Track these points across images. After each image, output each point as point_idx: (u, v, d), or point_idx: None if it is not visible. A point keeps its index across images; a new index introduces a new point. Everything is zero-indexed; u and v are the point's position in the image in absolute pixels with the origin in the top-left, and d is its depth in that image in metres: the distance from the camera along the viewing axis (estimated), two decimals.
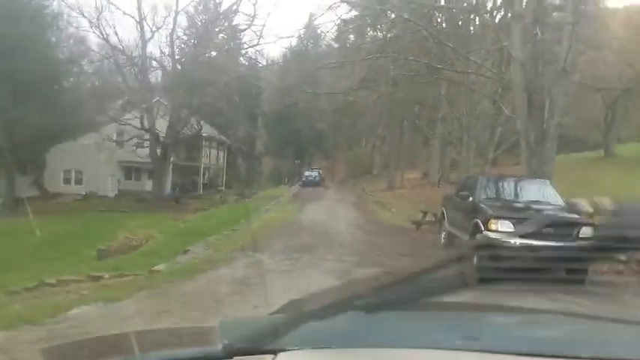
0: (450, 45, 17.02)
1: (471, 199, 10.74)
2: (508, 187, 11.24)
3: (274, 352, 1.05)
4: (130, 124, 31.09)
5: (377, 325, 1.13)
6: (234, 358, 1.02)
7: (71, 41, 31.72)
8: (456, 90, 22.21)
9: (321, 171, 44.99)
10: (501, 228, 9.41)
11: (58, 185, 39.22)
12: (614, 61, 26.05)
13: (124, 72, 31.17)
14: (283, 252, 11.38)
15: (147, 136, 31.90)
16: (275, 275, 8.73)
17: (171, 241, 14.68)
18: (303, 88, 35.12)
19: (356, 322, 1.09)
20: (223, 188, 45.57)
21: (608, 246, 1.06)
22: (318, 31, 47.67)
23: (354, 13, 31.33)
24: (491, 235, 9.46)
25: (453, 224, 11.94)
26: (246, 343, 1.05)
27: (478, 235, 9.79)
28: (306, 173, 43.22)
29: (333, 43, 41.02)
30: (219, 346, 1.03)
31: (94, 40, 31.73)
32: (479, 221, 9.87)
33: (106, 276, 10.23)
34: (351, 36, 34.76)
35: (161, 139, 31.35)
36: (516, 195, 10.94)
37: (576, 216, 9.67)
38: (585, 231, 9.28)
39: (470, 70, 16.87)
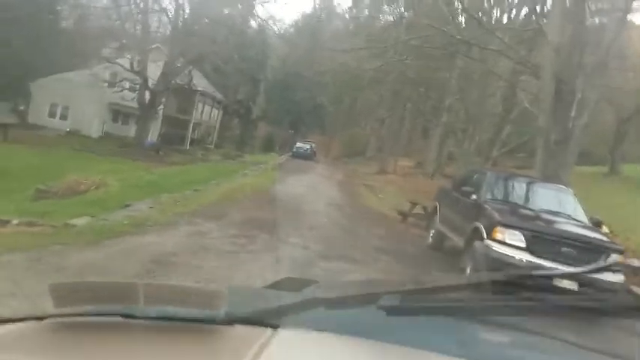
0: (477, 16, 14.55)
1: (474, 197, 8.50)
2: (521, 190, 8.99)
3: (275, 327, 1.06)
4: (121, 66, 28.38)
5: (395, 326, 1.10)
6: (235, 324, 1.03)
7: None
8: (467, 78, 19.88)
9: (314, 144, 42.40)
10: (509, 239, 7.24)
11: (42, 118, 36.63)
12: (633, 76, 23.71)
13: (123, 11, 28.29)
14: (239, 225, 9.17)
15: (139, 80, 29.21)
16: (211, 255, 6.53)
17: (122, 193, 12.42)
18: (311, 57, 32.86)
19: (373, 318, 1.06)
20: (212, 147, 43.17)
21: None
22: (334, 2, 45.10)
23: None
24: (495, 246, 7.30)
25: (446, 223, 9.73)
26: (248, 312, 1.06)
27: (477, 243, 7.62)
28: (298, 144, 40.61)
29: (346, 14, 38.48)
30: (222, 312, 1.01)
31: None
32: (480, 226, 7.67)
33: (15, 222, 8.09)
34: (366, 10, 32.22)
35: (152, 85, 28.69)
36: (529, 200, 8.70)
37: (604, 238, 7.50)
38: (613, 258, 7.15)
39: (492, 47, 14.43)
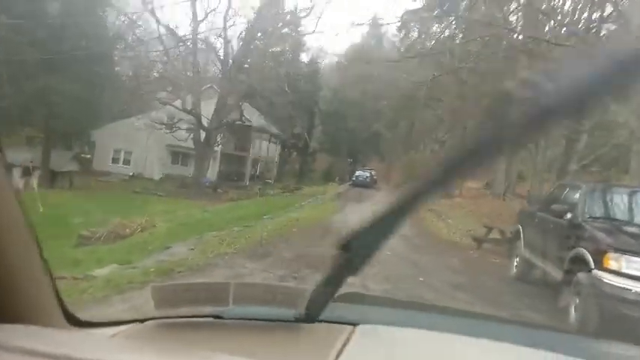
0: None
1: (568, 216, 6.83)
2: (625, 204, 7.19)
3: (355, 324, 1.12)
4: (176, 107, 28.55)
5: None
6: (316, 322, 1.07)
7: (124, 20, 29.39)
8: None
9: (373, 172, 40.85)
10: (627, 268, 5.53)
11: (106, 164, 37.67)
12: None
13: (174, 54, 28.61)
14: (288, 264, 7.93)
15: (194, 120, 29.27)
16: None
17: (168, 233, 11.60)
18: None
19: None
20: (271, 181, 42.74)
21: None
22: (382, 30, 44.25)
23: (418, 5, 27.58)
24: (607, 277, 5.61)
25: (533, 249, 8.03)
26: (329, 311, 1.08)
27: (581, 275, 5.95)
28: (357, 172, 39.20)
29: (395, 39, 37.34)
30: (304, 310, 1.04)
31: (145, 22, 29.22)
32: (584, 252, 6.00)
33: None
34: (415, 32, 30.89)
35: (206, 124, 28.59)
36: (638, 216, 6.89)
37: None
38: None
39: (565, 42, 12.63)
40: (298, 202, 20.56)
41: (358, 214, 17.72)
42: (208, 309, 1.05)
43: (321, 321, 1.06)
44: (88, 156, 38.80)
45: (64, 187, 29.17)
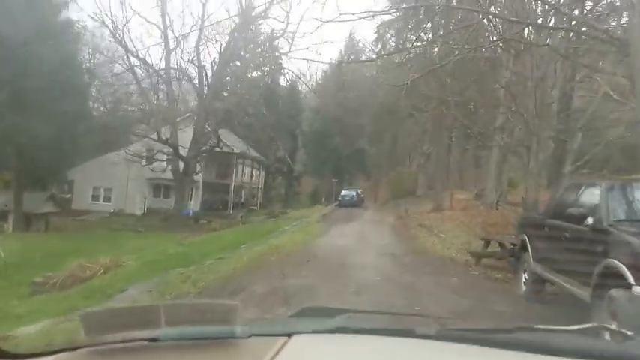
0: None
1: (590, 221, 5.60)
2: None
3: (288, 335, 1.10)
4: (153, 139, 27.25)
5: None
6: (251, 337, 1.05)
7: (95, 55, 28.19)
8: (519, 87, 17.05)
9: (360, 190, 39.63)
10: None
11: (86, 202, 36.15)
12: None
13: (148, 85, 27.39)
14: (259, 300, 6.59)
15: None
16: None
17: (133, 273, 10.25)
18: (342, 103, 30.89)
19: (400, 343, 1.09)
20: (257, 208, 41.38)
21: None
22: (359, 44, 43.62)
23: (392, 16, 26.83)
24: None
25: (546, 263, 6.77)
26: (263, 325, 1.15)
27: (616, 292, 4.72)
28: (343, 192, 37.93)
29: (372, 53, 36.58)
30: (238, 327, 1.05)
31: (115, 52, 28.01)
32: (618, 264, 4.76)
33: None
34: (391, 41, 30.09)
35: (185, 154, 27.28)
36: None
37: None
38: None
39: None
40: (282, 227, 19.24)
41: (342, 235, 16.44)
42: (141, 333, 1.03)
43: (256, 335, 1.06)
44: (68, 196, 37.23)
45: (40, 229, 27.56)
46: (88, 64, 28.96)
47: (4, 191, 26.60)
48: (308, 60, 54.63)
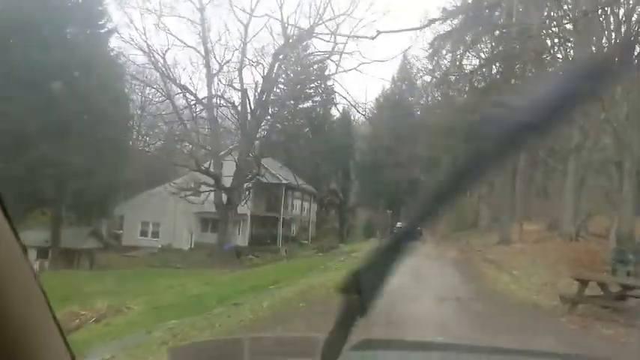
0: None
1: None
2: None
3: None
4: (193, 170, 25.95)
5: None
6: None
7: (139, 85, 27.56)
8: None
9: None
10: None
11: (135, 238, 35.30)
12: None
13: (192, 115, 26.33)
14: None
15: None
16: None
17: (125, 324, 8.25)
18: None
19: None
20: (307, 242, 39.14)
21: None
22: (413, 70, 41.37)
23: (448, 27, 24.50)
24: None
25: None
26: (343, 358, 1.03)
27: None
28: (398, 224, 35.08)
29: (425, 75, 34.24)
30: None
31: (155, 79, 27.24)
32: None
33: None
34: (447, 60, 27.67)
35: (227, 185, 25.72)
36: None
37: None
38: None
39: None
40: (327, 263, 16.86)
41: (398, 272, 13.84)
42: None
43: None
44: (120, 232, 36.69)
45: (84, 266, 26.60)
46: (133, 97, 28.30)
47: (46, 227, 25.89)
48: (359, 71, 50.84)
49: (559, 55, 19.17)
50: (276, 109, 28.66)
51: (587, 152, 18.50)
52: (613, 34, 14.81)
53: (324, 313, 7.41)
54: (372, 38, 18.28)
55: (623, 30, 13.76)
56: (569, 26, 16.21)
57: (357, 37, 23.70)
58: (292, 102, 31.37)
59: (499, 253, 20.53)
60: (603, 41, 15.08)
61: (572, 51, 17.95)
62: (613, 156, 14.24)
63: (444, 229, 42.49)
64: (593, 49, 15.94)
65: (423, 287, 11.08)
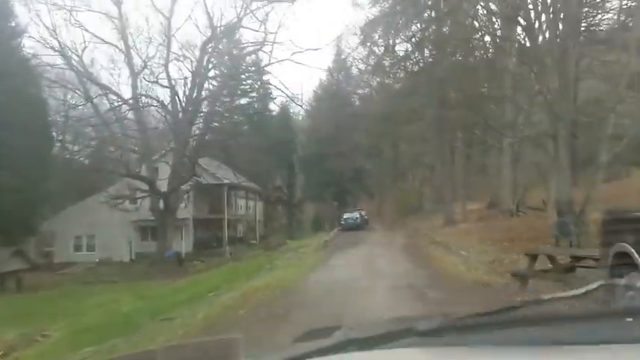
0: None
1: None
2: None
3: None
4: (123, 175, 24.30)
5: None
6: None
7: (53, 89, 25.27)
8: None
9: (363, 212, 36.31)
10: None
11: (68, 254, 32.92)
12: None
13: (117, 116, 24.62)
14: None
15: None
16: None
17: (42, 354, 7.12)
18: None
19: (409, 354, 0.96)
20: (256, 241, 38.07)
21: None
22: (348, 59, 41.08)
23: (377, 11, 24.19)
24: None
25: None
26: (267, 356, 1.02)
27: None
28: (345, 215, 34.67)
29: (360, 64, 33.99)
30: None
31: (71, 81, 25.14)
32: None
33: None
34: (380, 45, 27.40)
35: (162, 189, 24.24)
36: None
37: None
38: None
39: None
40: (274, 262, 16.09)
41: (343, 266, 13.25)
42: None
43: None
44: (52, 249, 34.14)
45: (10, 290, 24.37)
46: (51, 102, 26.06)
47: None
48: (292, 61, 50.41)
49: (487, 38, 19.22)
50: (211, 106, 27.34)
51: (521, 127, 18.64)
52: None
53: (262, 320, 6.67)
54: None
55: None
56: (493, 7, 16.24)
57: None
58: (228, 99, 30.03)
59: (446, 234, 20.51)
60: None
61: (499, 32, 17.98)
62: (548, 128, 14.26)
63: (390, 215, 42.72)
64: (519, 29, 16.02)
65: (372, 277, 10.54)
